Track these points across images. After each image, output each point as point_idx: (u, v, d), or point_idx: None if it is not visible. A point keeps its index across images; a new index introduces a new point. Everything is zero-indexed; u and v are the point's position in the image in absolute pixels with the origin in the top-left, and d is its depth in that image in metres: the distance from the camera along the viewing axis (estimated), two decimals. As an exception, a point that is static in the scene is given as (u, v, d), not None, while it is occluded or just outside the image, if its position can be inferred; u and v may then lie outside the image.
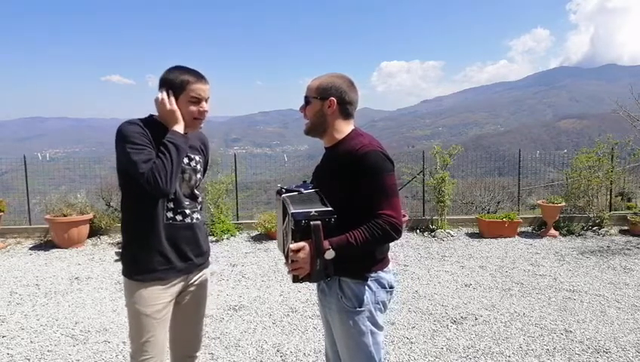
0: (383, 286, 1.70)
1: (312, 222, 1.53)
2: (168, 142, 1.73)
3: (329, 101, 1.70)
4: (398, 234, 1.59)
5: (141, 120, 1.81)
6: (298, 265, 1.56)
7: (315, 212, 1.56)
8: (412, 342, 3.41)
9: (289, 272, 1.62)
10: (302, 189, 1.67)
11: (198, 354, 2.07)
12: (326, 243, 1.55)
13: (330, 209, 1.59)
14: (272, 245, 6.57)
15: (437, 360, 3.16)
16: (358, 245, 1.56)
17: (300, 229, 1.54)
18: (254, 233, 7.29)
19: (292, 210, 1.57)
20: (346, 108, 1.73)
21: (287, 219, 1.64)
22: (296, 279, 1.62)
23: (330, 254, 1.55)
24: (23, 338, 3.55)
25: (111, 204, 7.55)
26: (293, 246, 1.55)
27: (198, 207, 1.94)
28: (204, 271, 2.02)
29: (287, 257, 1.65)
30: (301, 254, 1.54)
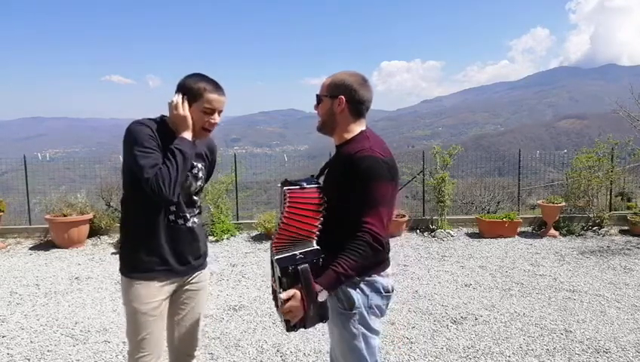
0: (377, 291, 1.67)
1: (299, 267, 1.46)
2: (175, 149, 1.72)
3: (338, 99, 1.67)
4: (380, 244, 1.51)
5: (153, 120, 1.80)
6: (291, 314, 1.50)
7: (301, 254, 1.49)
8: (412, 342, 3.41)
9: (282, 321, 1.55)
10: (304, 183, 1.63)
11: (196, 353, 2.07)
12: (317, 286, 1.48)
13: (316, 248, 1.53)
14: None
15: (437, 360, 3.16)
16: (350, 273, 1.50)
17: (288, 275, 1.47)
18: (254, 233, 7.29)
19: (276, 255, 1.50)
20: (356, 107, 1.70)
21: (274, 267, 1.56)
22: (290, 328, 1.54)
23: (323, 296, 1.48)
24: (23, 339, 3.55)
25: (111, 204, 7.55)
26: (284, 295, 1.47)
27: (196, 212, 1.95)
28: (202, 271, 2.02)
29: (277, 306, 1.59)
30: (292, 302, 1.48)
